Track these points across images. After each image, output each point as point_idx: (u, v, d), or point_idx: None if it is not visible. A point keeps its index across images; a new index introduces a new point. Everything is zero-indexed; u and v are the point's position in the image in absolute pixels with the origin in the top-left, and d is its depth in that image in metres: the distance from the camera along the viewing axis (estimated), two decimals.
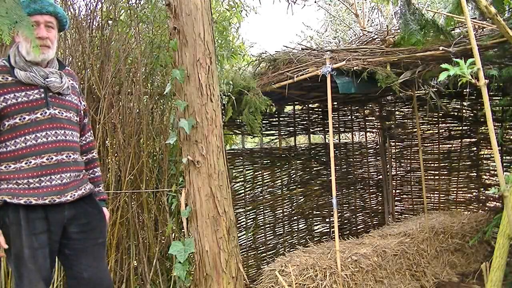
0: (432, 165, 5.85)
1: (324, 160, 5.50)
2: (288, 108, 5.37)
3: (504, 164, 4.96)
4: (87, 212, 2.15)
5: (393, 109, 6.10)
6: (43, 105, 2.02)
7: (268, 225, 4.88)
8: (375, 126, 6.30)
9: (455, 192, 5.69)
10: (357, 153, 6.12)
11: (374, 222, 6.13)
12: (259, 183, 4.83)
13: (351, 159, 6.02)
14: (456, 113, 5.66)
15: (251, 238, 4.67)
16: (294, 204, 5.18)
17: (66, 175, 2.05)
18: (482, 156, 5.51)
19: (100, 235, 2.19)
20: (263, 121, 4.73)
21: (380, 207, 6.26)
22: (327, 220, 5.53)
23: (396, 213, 6.24)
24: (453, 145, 5.74)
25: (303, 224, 5.30)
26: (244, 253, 4.57)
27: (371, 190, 6.18)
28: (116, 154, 3.38)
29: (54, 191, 2.00)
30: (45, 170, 1.99)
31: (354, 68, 3.51)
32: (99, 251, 2.18)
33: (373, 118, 6.29)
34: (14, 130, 1.97)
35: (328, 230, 5.53)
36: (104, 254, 2.23)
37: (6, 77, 1.97)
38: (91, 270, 2.11)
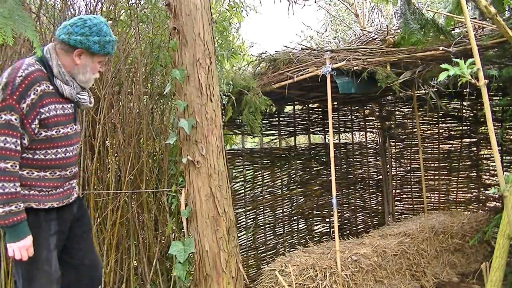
0: (432, 165, 5.85)
1: (324, 160, 5.50)
2: (288, 108, 5.37)
3: (504, 164, 4.97)
4: (78, 205, 2.28)
5: (393, 109, 6.10)
6: (72, 120, 2.09)
7: (268, 225, 4.88)
8: (375, 126, 6.30)
9: (455, 192, 5.69)
10: (357, 153, 6.11)
11: (374, 222, 6.13)
12: (259, 183, 4.83)
13: (351, 159, 6.01)
14: (456, 113, 5.66)
15: (251, 238, 4.67)
16: (294, 204, 5.18)
17: (75, 181, 2.24)
18: (482, 156, 5.51)
19: (90, 223, 2.41)
20: (263, 121, 4.73)
21: (380, 207, 6.26)
22: (327, 220, 5.52)
23: (396, 213, 6.24)
24: (453, 145, 5.73)
25: (303, 224, 5.30)
26: (244, 253, 4.57)
27: (371, 190, 6.18)
28: (116, 154, 3.38)
29: (67, 194, 2.13)
30: (66, 180, 2.11)
31: (354, 68, 3.51)
32: (91, 237, 2.39)
33: (373, 118, 6.29)
34: (48, 141, 1.99)
35: (328, 230, 5.53)
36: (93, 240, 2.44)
37: (48, 85, 1.98)
38: (89, 256, 2.26)
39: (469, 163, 5.57)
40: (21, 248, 1.88)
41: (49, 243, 2.01)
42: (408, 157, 6.13)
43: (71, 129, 2.07)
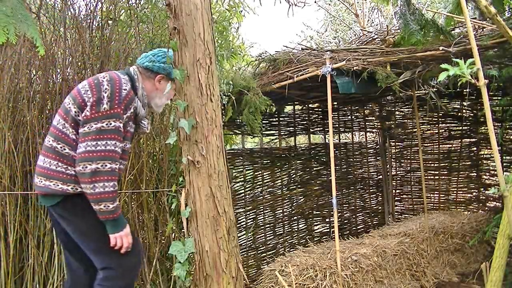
0: (432, 165, 5.85)
1: (324, 160, 5.50)
2: (288, 108, 5.37)
3: (504, 164, 4.97)
4: None
5: (393, 109, 6.10)
6: (131, 138, 2.31)
7: (268, 225, 4.88)
8: (375, 126, 6.30)
9: (455, 192, 5.69)
10: (357, 153, 6.11)
11: (374, 222, 6.13)
12: (259, 183, 4.83)
13: (351, 159, 6.01)
14: (456, 113, 5.66)
15: (251, 238, 4.67)
16: (294, 204, 5.18)
17: None
18: (482, 156, 5.51)
19: None
20: (263, 121, 4.73)
21: (380, 207, 6.26)
22: (327, 220, 5.52)
23: (396, 213, 6.24)
24: (453, 145, 5.74)
25: (303, 224, 5.30)
26: (244, 253, 4.57)
27: (371, 190, 6.18)
28: None
29: None
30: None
31: (354, 68, 3.50)
32: None
33: (373, 118, 6.28)
34: None
35: (328, 230, 5.53)
36: None
37: (134, 105, 2.18)
38: None
39: (469, 163, 5.57)
40: (124, 236, 2.12)
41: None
42: (408, 157, 6.13)
43: (129, 145, 2.29)
